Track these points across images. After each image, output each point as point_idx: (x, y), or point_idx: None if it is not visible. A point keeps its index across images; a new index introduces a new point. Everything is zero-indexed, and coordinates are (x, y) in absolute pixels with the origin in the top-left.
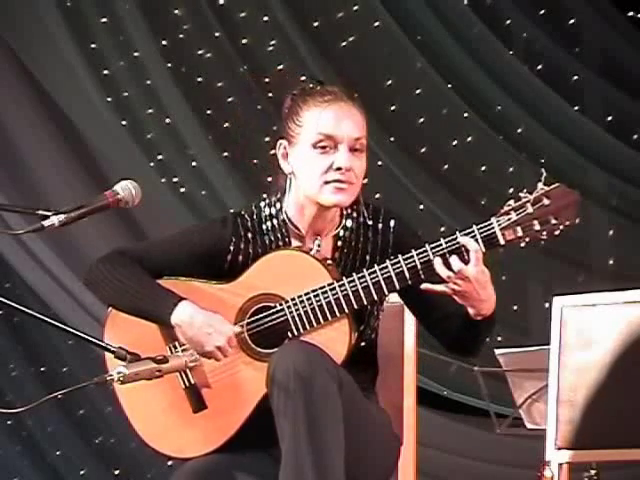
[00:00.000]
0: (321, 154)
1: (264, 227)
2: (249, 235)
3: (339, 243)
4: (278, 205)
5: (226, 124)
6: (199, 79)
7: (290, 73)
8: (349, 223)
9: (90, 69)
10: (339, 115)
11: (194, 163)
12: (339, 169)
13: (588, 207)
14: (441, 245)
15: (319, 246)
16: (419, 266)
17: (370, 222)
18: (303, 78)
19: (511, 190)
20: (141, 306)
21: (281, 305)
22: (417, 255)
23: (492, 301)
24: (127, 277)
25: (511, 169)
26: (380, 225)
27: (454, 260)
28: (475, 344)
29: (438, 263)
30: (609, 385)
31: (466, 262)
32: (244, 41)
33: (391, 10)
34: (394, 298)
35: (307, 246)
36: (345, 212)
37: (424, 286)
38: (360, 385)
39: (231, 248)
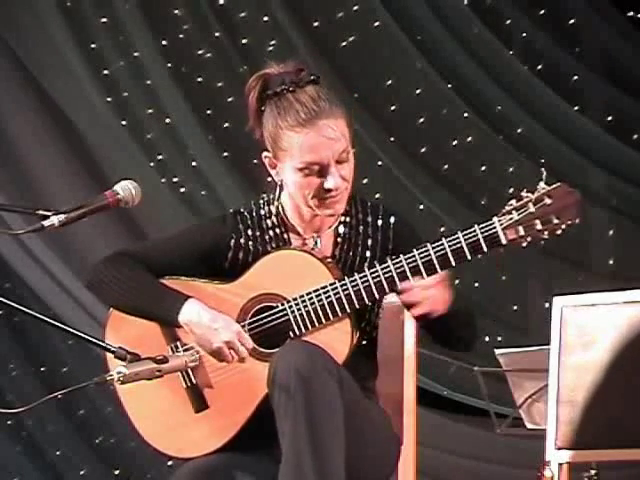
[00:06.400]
0: (308, 176)
1: (263, 224)
2: (249, 232)
3: (339, 240)
4: (276, 203)
5: (226, 124)
6: (199, 79)
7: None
8: (348, 219)
9: (90, 69)
10: (319, 139)
11: (194, 163)
12: (329, 190)
13: (588, 207)
14: (442, 244)
15: (316, 244)
16: (420, 265)
17: (369, 219)
18: (272, 70)
19: (511, 190)
20: (147, 307)
21: (283, 305)
22: (419, 254)
23: (447, 301)
24: (130, 278)
25: (511, 169)
26: (380, 222)
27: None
28: (462, 337)
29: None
30: (609, 385)
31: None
32: (244, 41)
33: (391, 10)
34: (394, 298)
35: (306, 242)
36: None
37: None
38: (360, 385)
39: (231, 245)
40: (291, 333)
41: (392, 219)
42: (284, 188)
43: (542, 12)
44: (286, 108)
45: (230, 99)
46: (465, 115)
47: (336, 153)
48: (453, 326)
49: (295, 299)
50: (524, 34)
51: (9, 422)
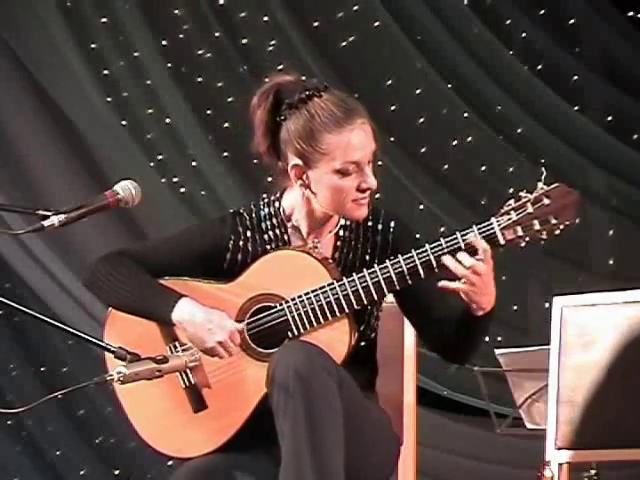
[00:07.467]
0: (345, 177)
1: (263, 225)
2: (248, 233)
3: (339, 243)
4: (277, 204)
5: (226, 124)
6: (199, 79)
7: (290, 73)
8: (348, 222)
9: (90, 69)
10: (361, 138)
11: (194, 163)
12: (365, 190)
13: (588, 207)
14: (441, 245)
15: (316, 248)
16: (419, 266)
17: (370, 223)
18: (280, 80)
19: (511, 190)
20: (141, 305)
21: (281, 305)
22: (417, 255)
23: (494, 295)
24: (127, 277)
25: (511, 169)
26: (380, 226)
27: (465, 257)
28: (469, 346)
29: (450, 260)
30: (609, 385)
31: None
32: (244, 41)
33: (391, 10)
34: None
35: (307, 244)
36: None
37: (441, 284)
38: (360, 385)
39: (230, 246)
40: (290, 333)
41: (392, 223)
42: (304, 192)
43: (542, 12)
44: (318, 111)
45: (230, 99)
46: (465, 115)
47: (371, 152)
48: (472, 329)
49: (294, 299)
50: (524, 34)
51: (9, 422)
